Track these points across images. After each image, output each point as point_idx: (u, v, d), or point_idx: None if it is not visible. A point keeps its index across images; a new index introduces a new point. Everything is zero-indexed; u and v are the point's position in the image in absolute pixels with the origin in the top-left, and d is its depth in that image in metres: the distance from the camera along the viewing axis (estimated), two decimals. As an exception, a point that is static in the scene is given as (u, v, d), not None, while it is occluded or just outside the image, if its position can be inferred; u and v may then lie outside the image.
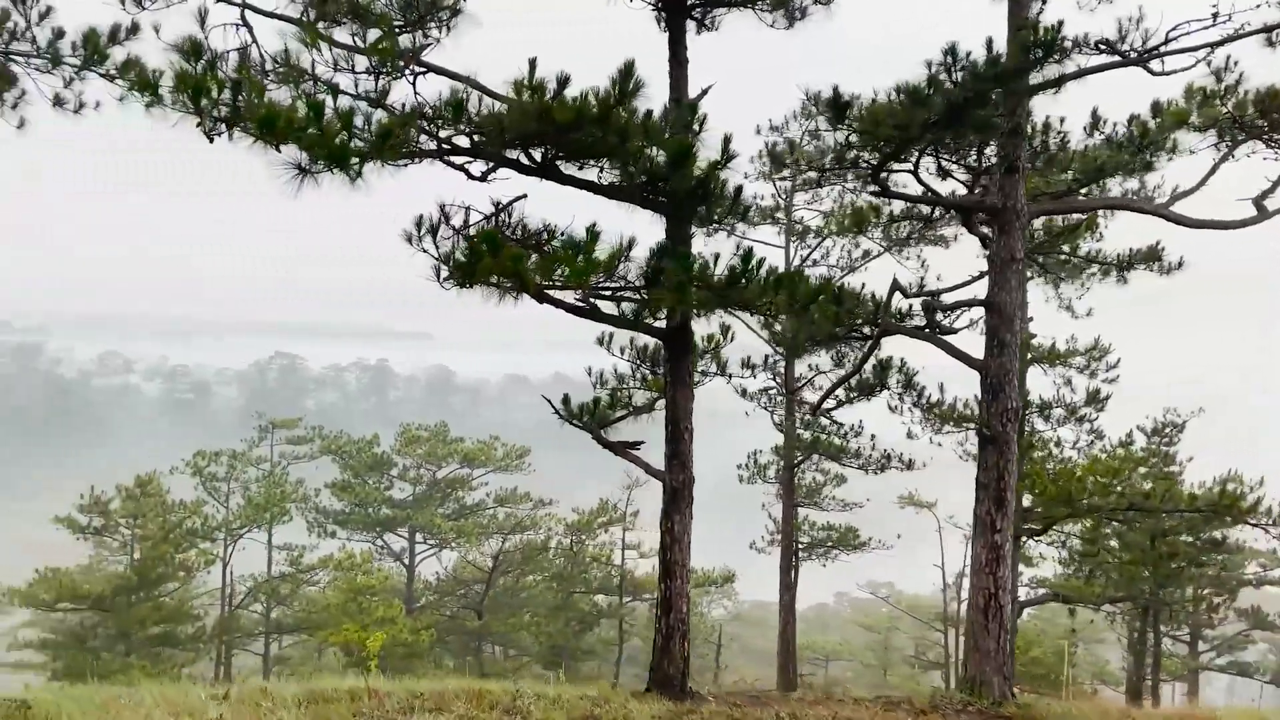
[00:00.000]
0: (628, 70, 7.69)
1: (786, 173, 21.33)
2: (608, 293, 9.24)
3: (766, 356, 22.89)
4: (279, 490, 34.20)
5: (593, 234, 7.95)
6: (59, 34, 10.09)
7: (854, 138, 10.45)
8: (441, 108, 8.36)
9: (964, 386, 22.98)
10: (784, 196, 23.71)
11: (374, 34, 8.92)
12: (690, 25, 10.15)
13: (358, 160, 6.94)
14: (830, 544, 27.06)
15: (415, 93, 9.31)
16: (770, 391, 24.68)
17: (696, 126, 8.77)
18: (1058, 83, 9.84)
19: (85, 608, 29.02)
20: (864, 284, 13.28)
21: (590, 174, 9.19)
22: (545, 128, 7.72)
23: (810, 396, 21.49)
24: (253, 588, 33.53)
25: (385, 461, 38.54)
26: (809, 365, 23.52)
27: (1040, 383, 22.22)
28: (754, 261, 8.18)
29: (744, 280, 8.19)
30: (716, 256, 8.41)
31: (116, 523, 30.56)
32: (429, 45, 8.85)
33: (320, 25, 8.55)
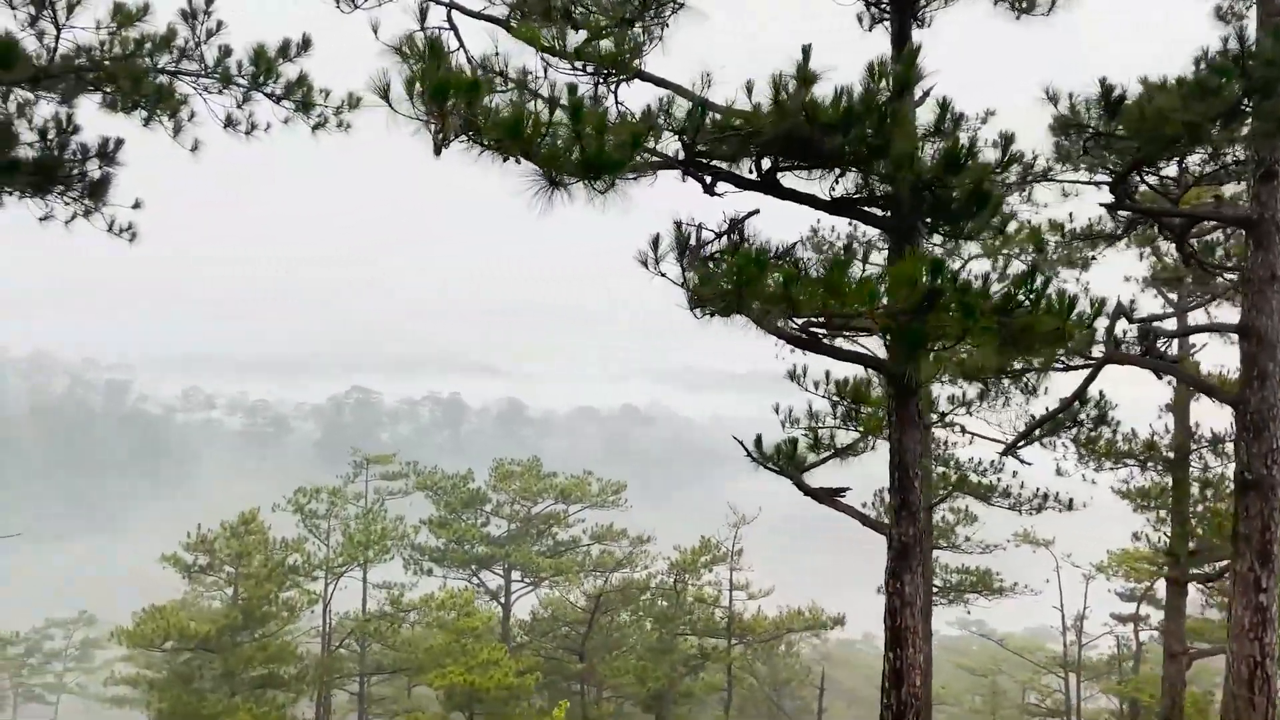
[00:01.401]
0: (910, 60, 6.59)
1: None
2: (839, 321, 8.08)
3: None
4: (379, 527, 33.60)
5: (859, 252, 6.83)
6: (226, 51, 9.41)
7: (1100, 140, 9.18)
8: (662, 113, 7.38)
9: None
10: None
11: (581, 34, 8.01)
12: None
13: (610, 172, 5.95)
14: (965, 588, 25.25)
15: (617, 101, 8.41)
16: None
17: (950, 126, 7.60)
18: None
19: (192, 647, 28.60)
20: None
21: (812, 186, 8.13)
22: (805, 130, 6.65)
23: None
24: (353, 628, 32.83)
25: (480, 497, 37.77)
26: (948, 398, 21.98)
27: (1211, 414, 20.39)
28: (1039, 280, 6.95)
29: (1027, 303, 6.97)
30: (986, 276, 7.21)
31: (220, 561, 30.20)
32: (645, 46, 7.89)
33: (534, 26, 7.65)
